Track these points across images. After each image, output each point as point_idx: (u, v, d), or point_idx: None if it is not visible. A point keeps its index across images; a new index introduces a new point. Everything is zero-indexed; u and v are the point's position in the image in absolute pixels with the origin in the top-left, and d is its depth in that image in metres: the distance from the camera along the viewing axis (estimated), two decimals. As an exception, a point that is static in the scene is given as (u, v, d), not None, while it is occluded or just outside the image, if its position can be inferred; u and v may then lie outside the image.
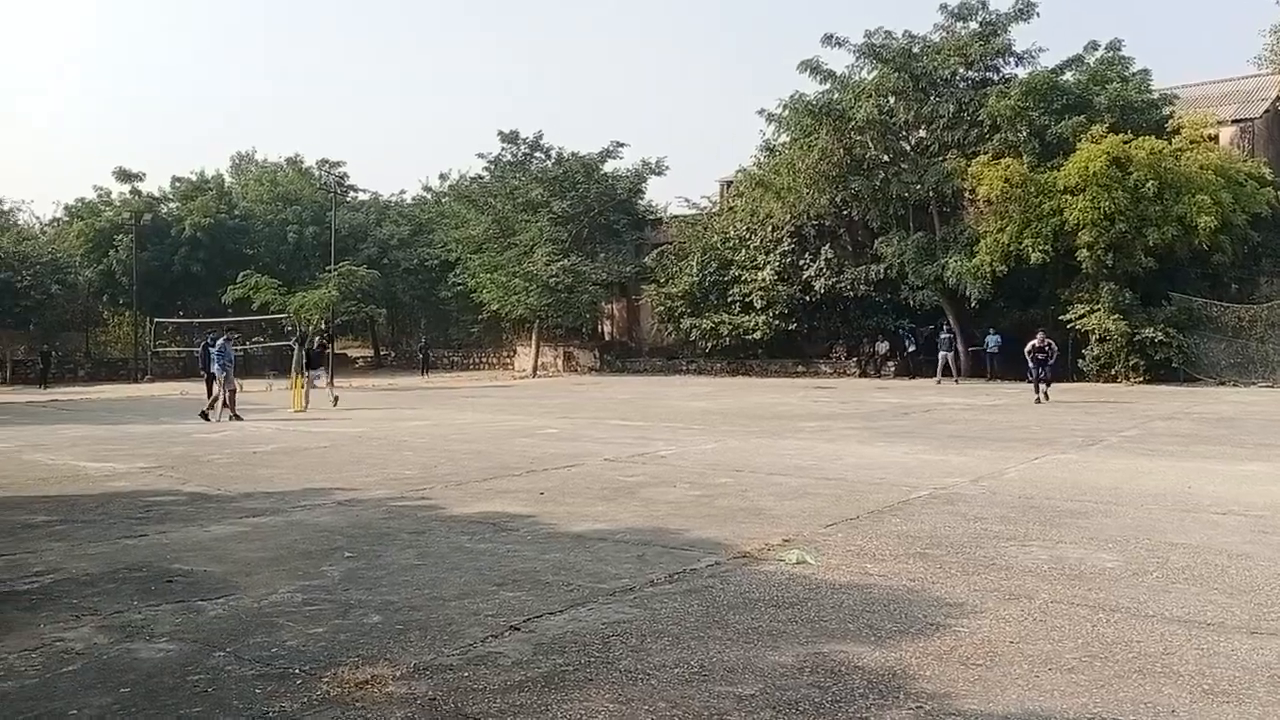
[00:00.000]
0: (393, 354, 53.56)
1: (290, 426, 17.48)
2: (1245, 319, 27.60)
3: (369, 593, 5.75)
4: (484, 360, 48.02)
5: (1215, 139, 29.69)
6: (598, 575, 6.09)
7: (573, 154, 41.73)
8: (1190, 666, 4.41)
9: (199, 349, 24.37)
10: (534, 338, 40.14)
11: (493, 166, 43.80)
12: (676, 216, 42.44)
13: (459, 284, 42.56)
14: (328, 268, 38.53)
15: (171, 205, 46.65)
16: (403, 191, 55.85)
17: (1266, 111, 34.34)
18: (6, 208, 61.07)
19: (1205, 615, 5.21)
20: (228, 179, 52.04)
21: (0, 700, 4.08)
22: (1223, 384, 26.28)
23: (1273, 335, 27.30)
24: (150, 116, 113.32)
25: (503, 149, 43.13)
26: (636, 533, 7.39)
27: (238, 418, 18.21)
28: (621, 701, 4.00)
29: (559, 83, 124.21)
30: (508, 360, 46.14)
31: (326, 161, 51.51)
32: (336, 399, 21.25)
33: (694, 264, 37.62)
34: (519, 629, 5.00)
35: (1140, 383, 26.78)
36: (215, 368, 19.50)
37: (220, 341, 19.01)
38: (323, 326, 33.12)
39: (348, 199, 50.99)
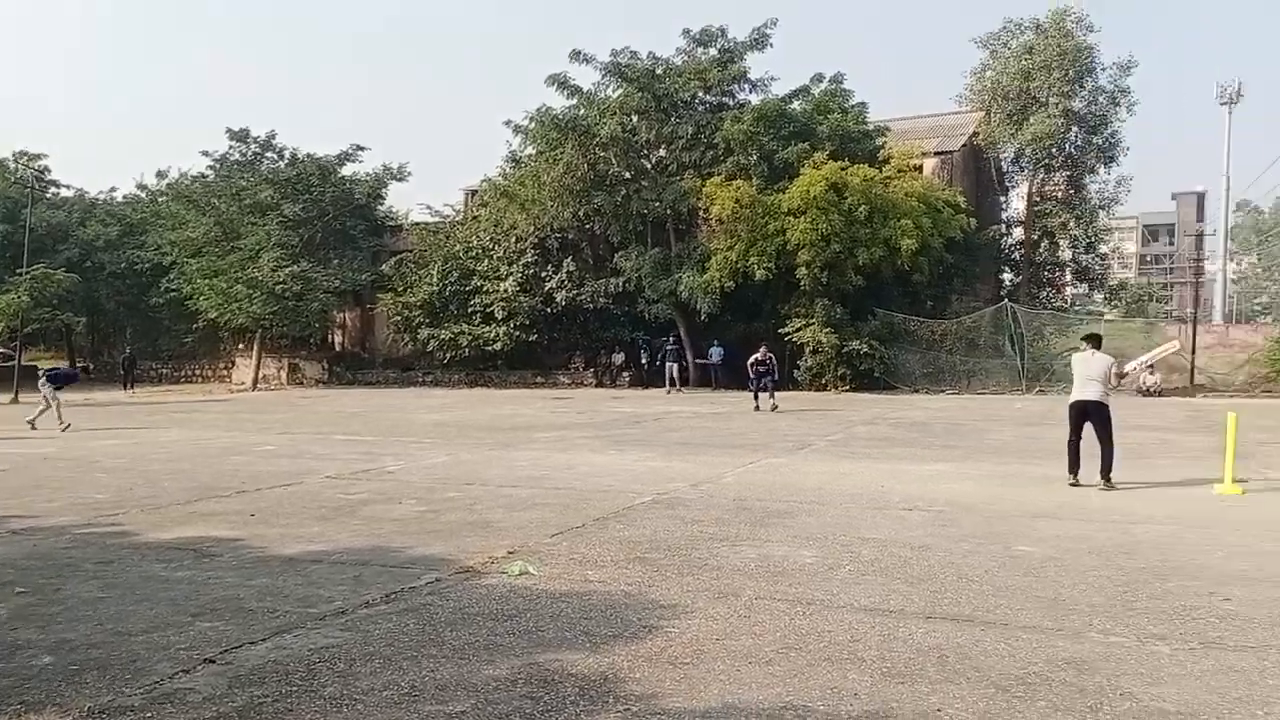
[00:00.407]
0: (92, 366, 48.62)
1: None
2: (938, 333, 30.75)
3: (42, 631, 5.16)
4: (198, 373, 44.60)
5: (920, 169, 32.91)
6: (307, 599, 5.78)
7: (308, 155, 39.71)
8: (873, 652, 4.80)
9: None
10: (255, 348, 37.79)
11: (218, 165, 40.85)
12: (418, 224, 41.41)
13: (173, 290, 39.30)
14: (20, 270, 34.48)
15: None
16: (113, 189, 50.66)
17: (964, 145, 38.45)
18: None
19: (889, 604, 5.69)
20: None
21: None
22: (917, 391, 29.05)
23: (960, 347, 30.57)
24: None
25: (230, 147, 40.30)
26: (355, 553, 7.10)
27: None
28: (322, 731, 3.81)
29: (297, 86, 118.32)
30: (225, 373, 43.14)
31: (24, 154, 46.06)
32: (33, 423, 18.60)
33: (435, 273, 36.90)
34: (214, 661, 4.65)
35: (847, 391, 29.09)
36: None
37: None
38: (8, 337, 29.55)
39: (48, 195, 45.86)
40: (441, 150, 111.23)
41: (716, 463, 12.34)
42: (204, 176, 42.11)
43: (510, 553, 6.99)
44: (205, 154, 42.24)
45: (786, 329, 29.88)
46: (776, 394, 22.25)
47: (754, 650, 4.82)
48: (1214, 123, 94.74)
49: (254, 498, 9.75)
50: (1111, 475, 10.10)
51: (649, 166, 33.93)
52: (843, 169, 28.83)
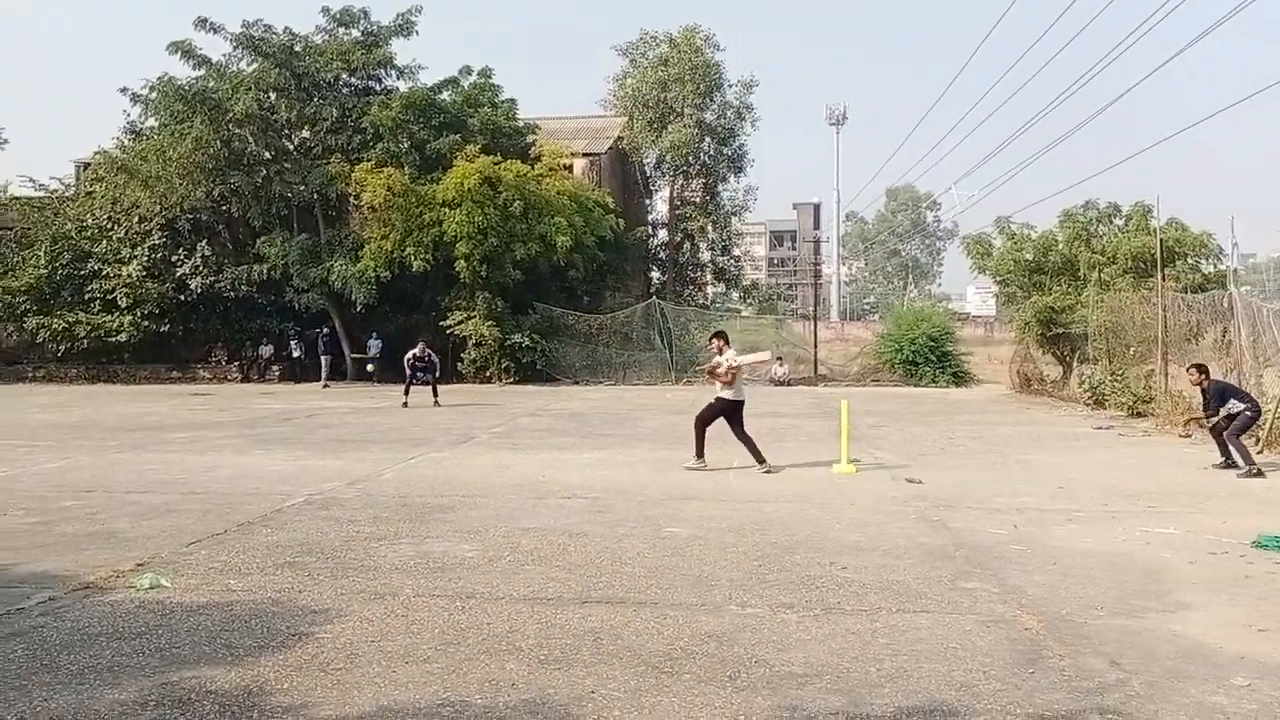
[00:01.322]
0: None
1: None
2: (594, 326, 31.94)
3: None
4: None
5: (570, 168, 33.87)
6: (-123, 634, 4.91)
7: None
8: (531, 641, 4.91)
9: None
10: None
11: None
12: (18, 199, 36.26)
13: None
14: None
15: None
16: None
17: (610, 148, 40.13)
18: None
19: (546, 591, 5.86)
20: None
21: None
22: (577, 383, 29.99)
23: (615, 341, 31.97)
24: None
25: None
26: (-58, 574, 6.13)
27: None
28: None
29: None
30: None
31: None
32: None
33: (42, 254, 32.51)
34: None
35: (512, 383, 29.45)
36: None
37: None
38: None
39: None
40: (48, 117, 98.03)
41: (376, 459, 12.00)
42: None
43: (140, 565, 6.37)
44: None
45: (448, 321, 29.66)
46: (439, 387, 22.01)
47: (411, 649, 4.76)
48: (827, 140, 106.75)
49: None
50: (762, 461, 10.98)
51: (291, 148, 32.11)
52: (496, 164, 29.09)
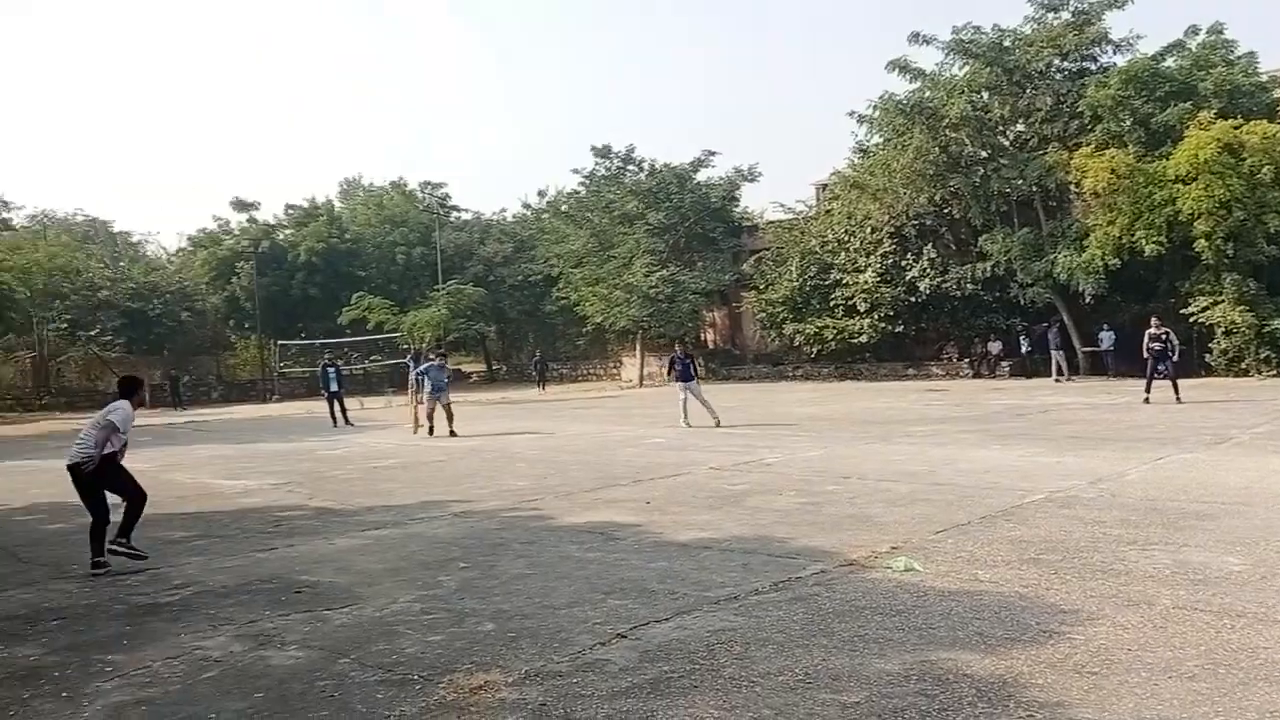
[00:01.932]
0: (504, 368, 54.72)
1: (409, 442, 18.06)
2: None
3: (483, 602, 5.95)
4: (591, 372, 48.53)
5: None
6: (702, 584, 6.16)
7: (665, 165, 41.92)
8: (1322, 674, 4.22)
9: (319, 370, 25.63)
10: (638, 348, 40.44)
11: (588, 181, 44.32)
12: (772, 222, 42.13)
13: (563, 298, 43.22)
14: (436, 286, 39.60)
15: (287, 232, 48.64)
16: (503, 210, 56.96)
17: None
18: (135, 239, 64.83)
19: (1340, 620, 4.97)
20: (337, 204, 53.98)
21: (148, 705, 4.39)
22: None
23: None
24: (258, 147, 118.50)
25: (596, 164, 43.60)
26: (741, 541, 7.43)
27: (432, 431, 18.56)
28: (726, 709, 4.07)
29: (648, 95, 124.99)
30: (614, 371, 46.54)
31: (429, 184, 53.02)
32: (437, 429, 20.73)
33: (793, 269, 37.31)
34: (625, 636, 5.11)
35: (1273, 376, 25.37)
36: (335, 386, 23.07)
37: (429, 366, 19.29)
38: (436, 344, 34.09)
39: (451, 219, 52.26)
40: (787, 147, 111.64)
41: (1117, 458, 11.33)
42: (576, 193, 45.89)
43: (894, 548, 6.95)
44: (575, 171, 45.94)
45: (1190, 309, 26.70)
46: (1179, 381, 19.51)
47: (1173, 664, 4.43)
48: None
49: (648, 486, 10.51)
50: None
51: (1006, 143, 31.91)
52: (1236, 128, 25.30)
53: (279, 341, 43.95)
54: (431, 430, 18.59)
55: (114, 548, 7.37)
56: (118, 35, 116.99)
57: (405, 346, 36.15)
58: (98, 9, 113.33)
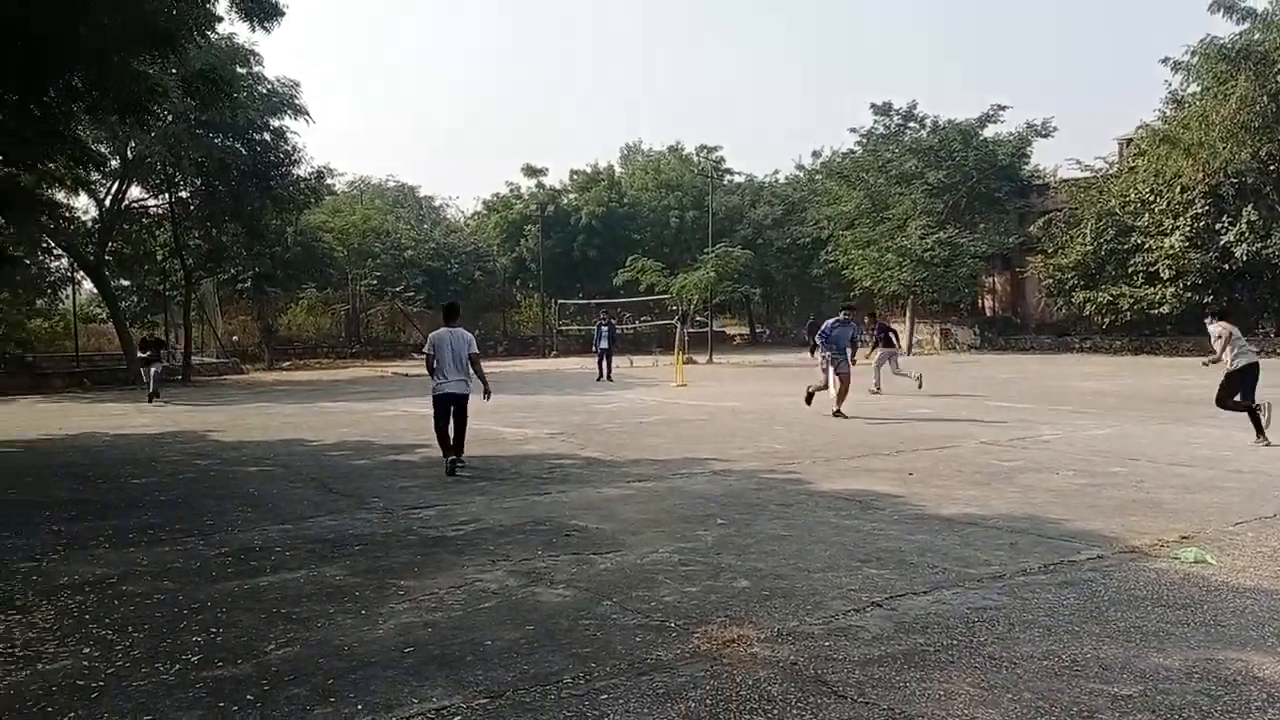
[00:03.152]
0: (767, 331, 54.83)
1: (674, 399, 18.61)
2: None
3: (738, 558, 6.09)
4: (864, 339, 47.52)
5: None
6: (965, 560, 5.96)
7: (949, 121, 39.94)
8: None
9: (594, 328, 26.92)
10: (908, 314, 39.13)
11: (865, 141, 43.09)
12: (1066, 181, 39.14)
13: (830, 261, 42.52)
14: (705, 250, 40.18)
15: (570, 196, 51.01)
16: (776, 172, 56.66)
17: None
18: (438, 204, 70.45)
19: None
20: (618, 169, 55.86)
21: (433, 628, 4.89)
22: None
23: None
24: (551, 114, 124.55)
25: (875, 122, 42.25)
26: (1010, 520, 7.10)
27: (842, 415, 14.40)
28: (984, 688, 3.95)
29: (936, 47, 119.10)
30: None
31: (705, 148, 53.62)
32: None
33: (1087, 231, 34.57)
34: (880, 605, 5.07)
35: None
36: (605, 344, 24.14)
37: (834, 323, 15.15)
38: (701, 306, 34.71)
39: (724, 183, 52.65)
40: (1090, 100, 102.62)
41: None
42: (853, 153, 44.75)
43: (1184, 538, 6.40)
44: (853, 130, 44.69)
45: None
46: None
47: None
48: None
49: (911, 458, 10.25)
50: None
51: (1351, 89, 27.70)
52: None
53: (559, 300, 46.39)
54: (838, 411, 14.40)
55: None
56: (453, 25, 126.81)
57: (674, 308, 37.01)
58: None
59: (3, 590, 5.73)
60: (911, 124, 41.47)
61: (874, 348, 19.06)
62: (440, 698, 3.94)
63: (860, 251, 38.70)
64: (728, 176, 53.79)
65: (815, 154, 54.64)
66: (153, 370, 21.26)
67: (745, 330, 56.06)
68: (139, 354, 23.07)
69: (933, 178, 38.88)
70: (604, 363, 24.25)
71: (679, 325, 27.75)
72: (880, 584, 5.46)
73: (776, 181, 55.23)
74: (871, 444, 11.38)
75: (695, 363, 27.61)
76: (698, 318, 34.12)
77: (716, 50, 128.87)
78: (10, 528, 7.51)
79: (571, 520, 7.36)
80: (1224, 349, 11.15)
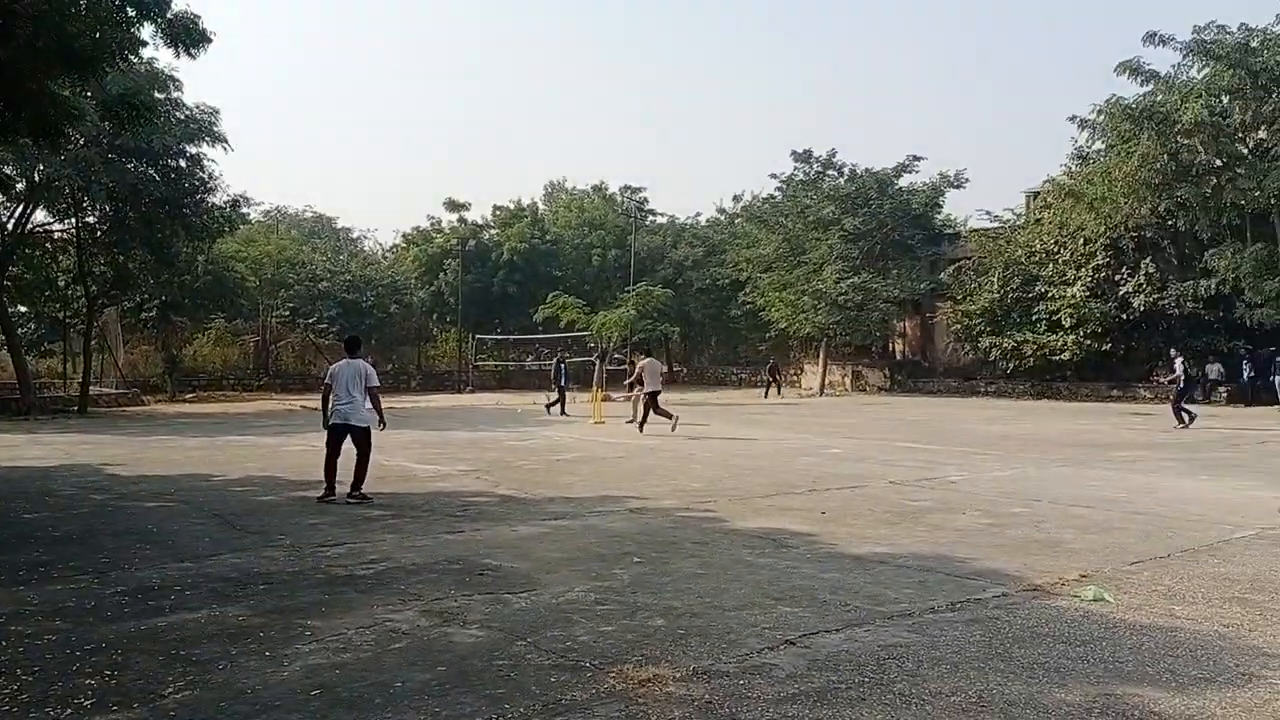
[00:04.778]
0: (684, 370, 55.19)
1: (591, 436, 18.58)
2: None
3: (654, 597, 6.10)
4: (769, 379, 48.14)
5: None
6: (876, 598, 6.07)
7: (866, 170, 41.13)
8: None
9: (552, 364, 27.27)
10: (821, 356, 39.87)
11: (785, 186, 44.01)
12: (976, 231, 40.56)
13: (749, 303, 43.13)
14: (626, 288, 40.41)
15: (493, 232, 50.79)
16: (698, 214, 57.25)
17: None
18: (355, 235, 69.45)
19: None
20: (541, 206, 55.88)
21: (341, 670, 4.77)
22: None
23: None
24: (474, 150, 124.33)
25: (795, 168, 43.23)
26: (919, 558, 7.26)
27: None
28: (893, 723, 4.02)
29: (853, 99, 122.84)
30: (795, 378, 46.07)
31: (629, 188, 54.08)
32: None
33: (995, 280, 35.82)
34: (794, 643, 5.12)
35: None
36: (563, 380, 25.72)
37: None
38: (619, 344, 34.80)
39: (647, 223, 53.12)
40: (999, 154, 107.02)
41: (1347, 498, 10.32)
42: (773, 198, 45.66)
43: (1083, 576, 6.62)
44: (773, 176, 45.67)
45: None
46: None
47: (1398, 725, 4.03)
48: None
49: (823, 496, 10.41)
50: None
51: (1245, 152, 29.32)
52: None
53: (477, 336, 46.00)
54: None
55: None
56: (361, 48, 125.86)
57: (592, 345, 37.04)
58: (329, 18, 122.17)
59: (-123, 631, 5.40)
60: (830, 171, 42.55)
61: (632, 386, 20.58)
62: (348, 740, 3.84)
63: (777, 294, 39.35)
64: (650, 217, 54.31)
65: (736, 198, 55.63)
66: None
67: (664, 369, 56.31)
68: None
69: (849, 224, 39.86)
70: (564, 398, 25.70)
71: (598, 362, 27.79)
72: (794, 622, 5.52)
73: (698, 223, 55.97)
74: (785, 483, 11.53)
75: (612, 400, 27.64)
76: (616, 355, 34.13)
77: (638, 93, 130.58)
78: (-113, 564, 7.10)
79: (485, 559, 7.27)
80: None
